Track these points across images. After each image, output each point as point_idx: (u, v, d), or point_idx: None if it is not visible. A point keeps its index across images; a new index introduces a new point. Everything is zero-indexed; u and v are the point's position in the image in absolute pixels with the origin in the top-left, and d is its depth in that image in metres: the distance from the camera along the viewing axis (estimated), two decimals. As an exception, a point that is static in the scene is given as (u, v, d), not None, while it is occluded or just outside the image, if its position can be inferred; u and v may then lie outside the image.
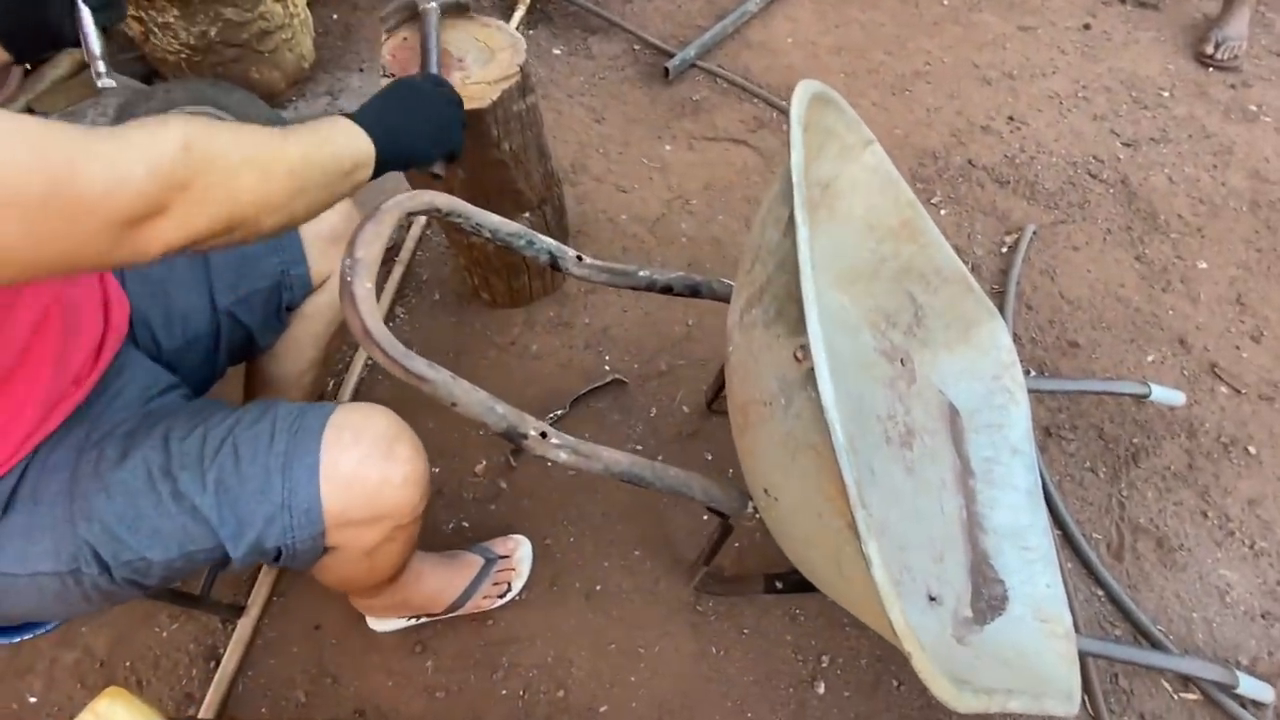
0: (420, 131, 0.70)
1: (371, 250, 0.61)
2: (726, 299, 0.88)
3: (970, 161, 1.71)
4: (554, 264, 0.81)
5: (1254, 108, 1.83)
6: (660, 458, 1.28)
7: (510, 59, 1.04)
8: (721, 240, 1.56)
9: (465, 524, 1.21)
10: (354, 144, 0.62)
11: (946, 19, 2.04)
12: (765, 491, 0.61)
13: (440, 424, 1.30)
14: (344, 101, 1.79)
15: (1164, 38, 2.00)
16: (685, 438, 1.30)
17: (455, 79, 1.03)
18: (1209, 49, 1.90)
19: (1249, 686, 1.04)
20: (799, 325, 0.50)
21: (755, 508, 0.73)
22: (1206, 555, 1.21)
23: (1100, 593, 1.16)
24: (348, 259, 0.61)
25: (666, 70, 1.80)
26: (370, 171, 0.63)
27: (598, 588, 1.16)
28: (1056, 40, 1.99)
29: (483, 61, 1.05)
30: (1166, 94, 1.87)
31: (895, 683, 1.09)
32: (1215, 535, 1.23)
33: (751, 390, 0.59)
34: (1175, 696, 1.09)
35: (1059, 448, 1.31)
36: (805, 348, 0.48)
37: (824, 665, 1.10)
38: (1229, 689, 1.05)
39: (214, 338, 0.86)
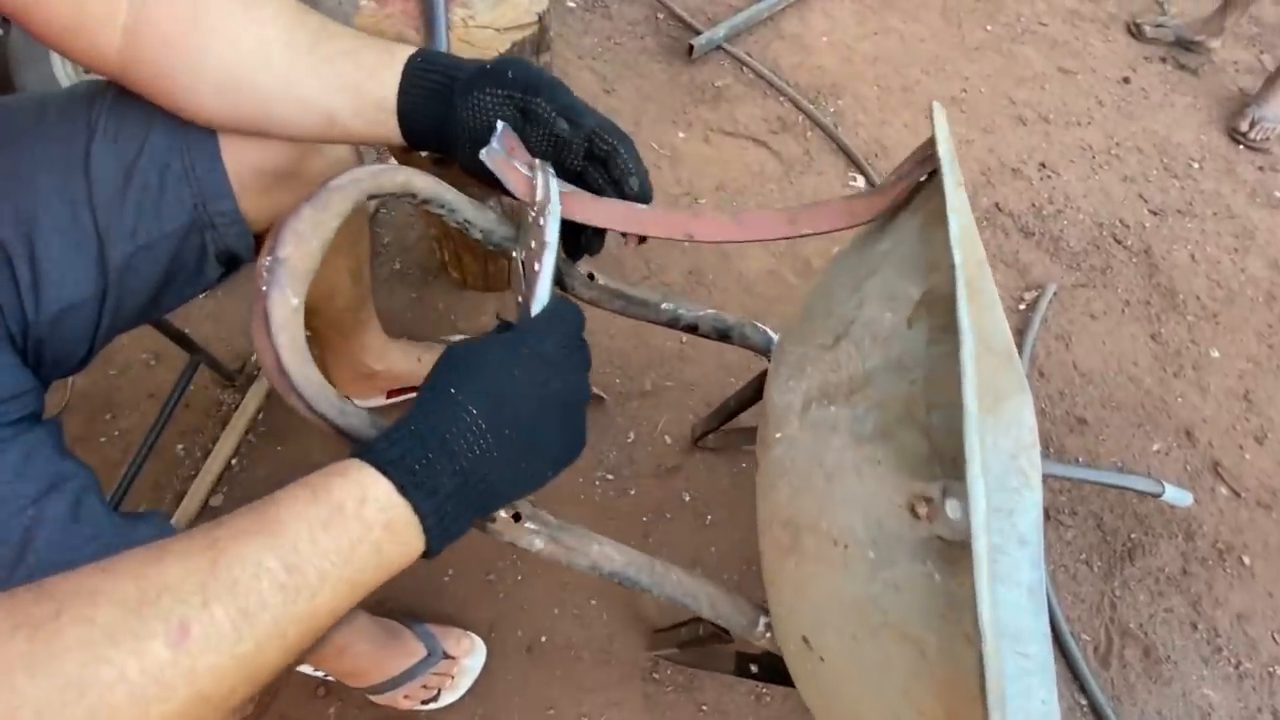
0: (535, 478, 0.42)
1: (304, 248, 0.42)
2: (761, 351, 0.72)
3: (998, 205, 1.60)
4: (558, 282, 0.63)
5: (1278, 194, 1.77)
6: (633, 492, 1.13)
7: (527, 2, 0.85)
8: (728, 250, 1.40)
9: (396, 545, 1.03)
10: (379, 572, 0.36)
11: (988, 45, 1.91)
12: (804, 640, 0.47)
13: (377, 417, 1.11)
14: None
15: (1199, 105, 1.92)
16: (664, 472, 1.15)
17: (456, 17, 0.83)
18: (1244, 126, 1.83)
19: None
20: (924, 468, 0.35)
21: (768, 628, 0.59)
22: (1192, 671, 1.14)
23: (1084, 702, 1.08)
24: (267, 258, 0.41)
25: (691, 48, 1.61)
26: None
27: (543, 639, 1.00)
28: (1095, 89, 1.88)
29: (491, 0, 0.85)
30: (1196, 165, 1.79)
31: (858, 780, 0.98)
32: (1203, 650, 1.16)
33: (812, 513, 0.44)
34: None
35: (1056, 534, 1.22)
36: (931, 502, 0.33)
37: (786, 755, 0.98)
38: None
39: (99, 303, 0.64)
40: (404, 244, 1.31)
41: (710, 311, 0.71)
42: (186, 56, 0.51)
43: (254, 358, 1.16)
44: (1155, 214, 1.68)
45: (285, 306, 0.41)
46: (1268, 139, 1.83)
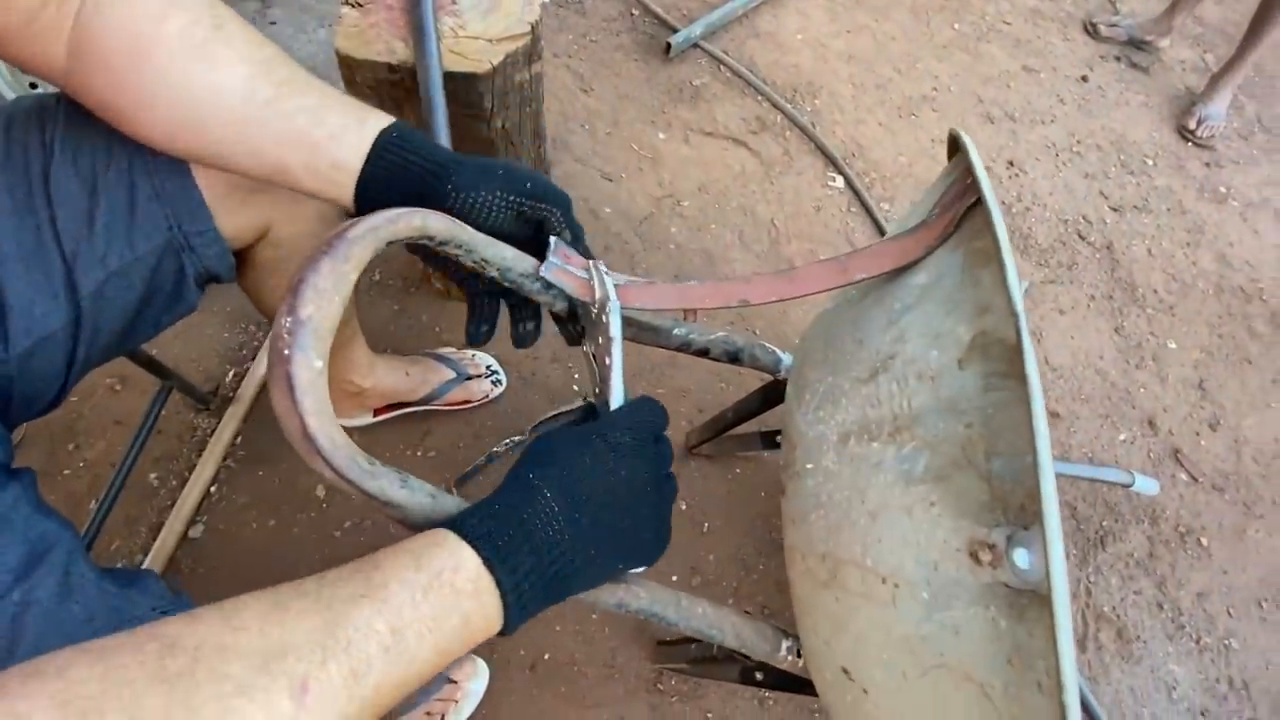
0: (607, 567, 0.43)
1: (326, 306, 0.39)
2: (770, 371, 0.72)
3: (969, 203, 1.63)
4: (572, 314, 0.61)
5: (1223, 189, 1.87)
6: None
7: (519, 11, 0.82)
8: (713, 253, 1.40)
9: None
10: (461, 644, 0.36)
11: (956, 44, 1.94)
12: (844, 671, 0.47)
13: (365, 439, 1.08)
14: (276, 11, 1.45)
15: (1151, 104, 2.00)
16: (657, 481, 1.15)
17: (445, 27, 0.80)
18: (1191, 124, 1.91)
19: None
20: (984, 514, 0.36)
21: (790, 651, 0.59)
22: (1159, 648, 1.20)
23: (1065, 686, 1.13)
24: (286, 318, 0.39)
25: (668, 46, 1.59)
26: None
27: (546, 657, 0.99)
28: (1056, 88, 1.94)
29: (483, 9, 0.82)
30: (1150, 162, 1.87)
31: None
32: (1168, 628, 1.22)
33: (853, 549, 0.44)
34: (1124, 797, 1.08)
35: (1034, 525, 1.27)
36: (994, 549, 0.34)
37: (790, 757, 1.00)
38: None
39: (71, 335, 0.59)
40: (383, 254, 1.27)
41: (720, 335, 0.71)
42: (132, 94, 0.48)
43: (228, 379, 1.11)
44: (1115, 210, 1.75)
45: (309, 369, 0.39)
46: (1213, 136, 1.92)
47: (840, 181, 1.58)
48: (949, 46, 1.93)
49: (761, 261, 1.41)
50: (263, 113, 0.48)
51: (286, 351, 0.38)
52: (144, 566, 0.95)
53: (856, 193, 1.56)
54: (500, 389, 1.14)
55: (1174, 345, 1.56)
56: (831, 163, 1.59)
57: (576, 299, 0.54)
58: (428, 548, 0.37)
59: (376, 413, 1.07)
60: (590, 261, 0.54)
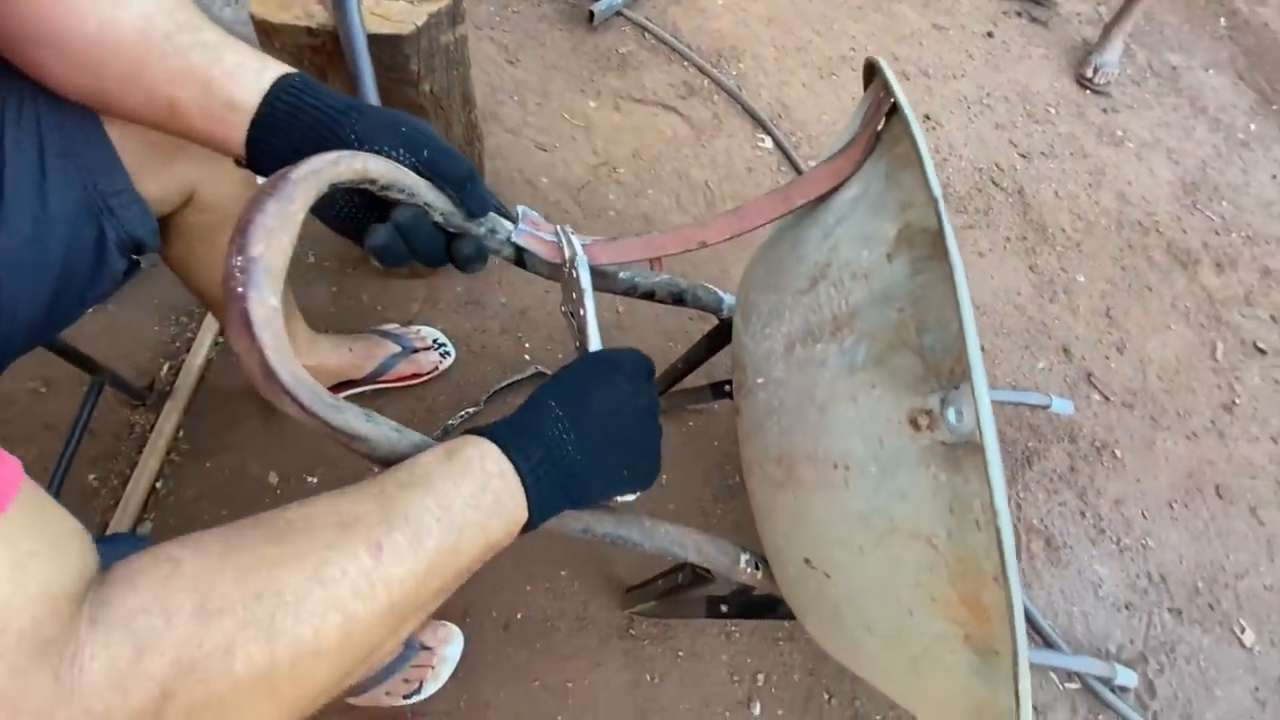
0: (608, 472, 0.47)
1: (276, 244, 0.40)
2: (713, 310, 0.75)
3: (892, 157, 1.71)
4: (519, 260, 0.62)
5: (1120, 133, 2.01)
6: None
7: (441, -29, 0.81)
8: (651, 217, 1.42)
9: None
10: (500, 523, 0.42)
11: (869, 5, 2.01)
12: (806, 561, 0.51)
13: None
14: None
15: (1051, 56, 2.12)
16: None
17: (367, -15, 0.78)
18: (1089, 72, 2.05)
19: (1122, 677, 1.15)
20: (920, 385, 0.39)
21: (756, 568, 0.63)
22: (1084, 552, 1.31)
23: (1006, 594, 1.22)
24: (237, 258, 0.38)
25: (591, 14, 1.59)
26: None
27: (519, 616, 1.01)
28: (965, 44, 2.04)
29: (402, -32, 0.81)
30: (1053, 110, 1.99)
31: (826, 695, 1.07)
32: (1090, 534, 1.33)
33: (807, 444, 0.48)
34: (1061, 687, 1.18)
35: (970, 451, 1.35)
36: (931, 413, 0.37)
37: (759, 684, 1.05)
38: (1108, 681, 1.15)
39: None
40: (316, 233, 1.23)
41: (664, 277, 0.73)
42: (30, 25, 0.46)
43: (163, 372, 1.06)
44: (1024, 157, 1.86)
45: (265, 306, 0.39)
46: (1108, 83, 2.06)
47: (769, 142, 1.62)
48: (863, 7, 2.00)
49: (705, 210, 1.45)
50: (160, 48, 0.47)
51: (240, 289, 0.38)
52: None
53: (785, 152, 1.61)
54: (449, 361, 1.14)
55: (1082, 278, 1.68)
56: (760, 125, 1.63)
57: (546, 259, 0.58)
58: (456, 444, 0.42)
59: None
60: (558, 226, 0.58)
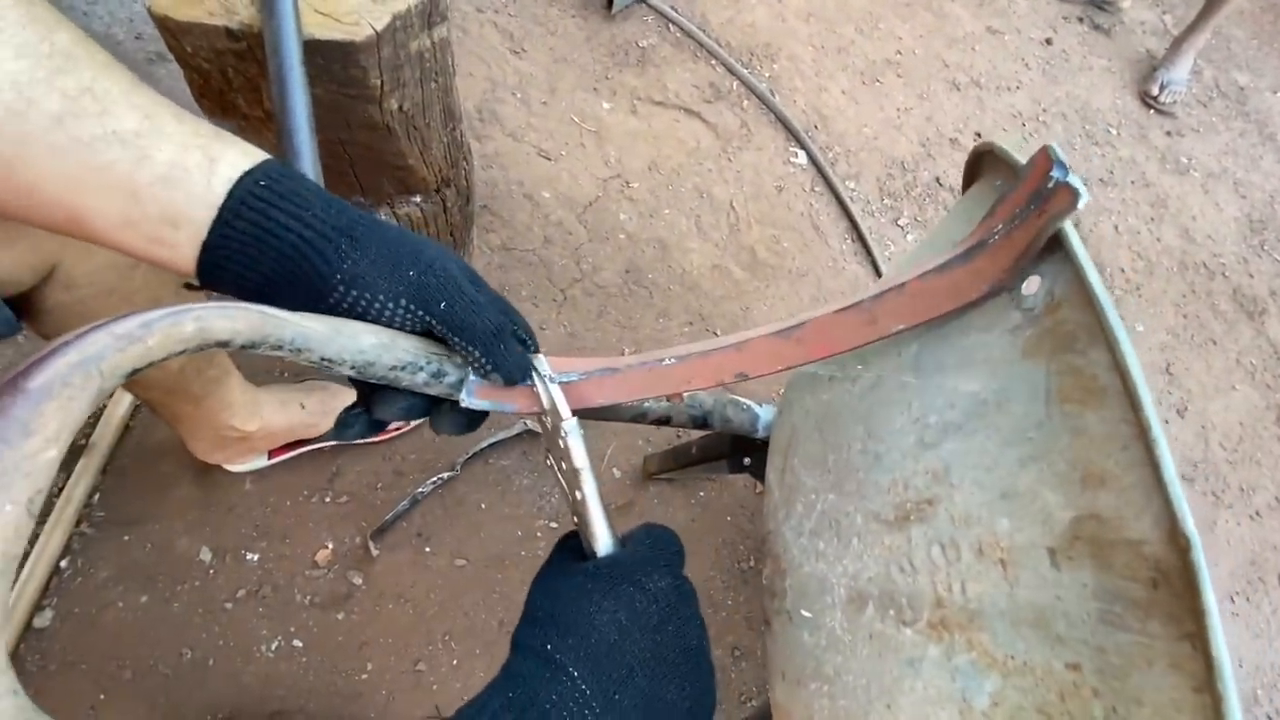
0: None
1: (29, 465, 0.23)
2: (746, 433, 0.58)
3: (938, 180, 1.52)
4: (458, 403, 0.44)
5: (1185, 160, 1.82)
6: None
7: (415, -46, 0.63)
8: (667, 244, 1.24)
9: (297, 643, 0.84)
10: None
11: (918, 3, 1.80)
12: None
13: (260, 486, 0.89)
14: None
15: (1114, 69, 1.92)
16: (615, 511, 1.01)
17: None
18: (1154, 90, 1.85)
19: None
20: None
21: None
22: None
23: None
24: None
25: (610, 2, 1.39)
26: None
27: None
28: (1021, 51, 1.84)
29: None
30: (1114, 131, 1.80)
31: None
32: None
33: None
34: None
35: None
36: None
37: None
38: None
39: None
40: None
41: (685, 397, 0.56)
42: None
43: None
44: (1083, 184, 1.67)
45: None
46: (1175, 103, 1.86)
47: (803, 157, 1.43)
48: (912, 4, 1.79)
49: (721, 251, 1.27)
50: (46, 139, 0.29)
51: None
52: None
53: (820, 170, 1.42)
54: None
55: (1141, 328, 1.51)
56: (793, 136, 1.44)
57: (520, 413, 0.40)
58: None
59: (272, 454, 0.88)
60: (532, 364, 0.39)
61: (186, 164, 0.31)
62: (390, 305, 0.35)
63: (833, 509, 0.36)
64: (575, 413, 0.38)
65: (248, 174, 0.32)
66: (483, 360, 0.36)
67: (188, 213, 0.31)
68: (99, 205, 0.31)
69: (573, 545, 0.38)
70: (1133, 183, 1.72)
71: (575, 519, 0.37)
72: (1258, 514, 1.35)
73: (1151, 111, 1.87)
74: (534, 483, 1.00)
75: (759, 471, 0.84)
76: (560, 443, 0.37)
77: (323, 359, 0.32)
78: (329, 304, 0.34)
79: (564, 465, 0.38)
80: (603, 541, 0.36)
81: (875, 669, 0.31)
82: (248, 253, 0.32)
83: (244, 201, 0.32)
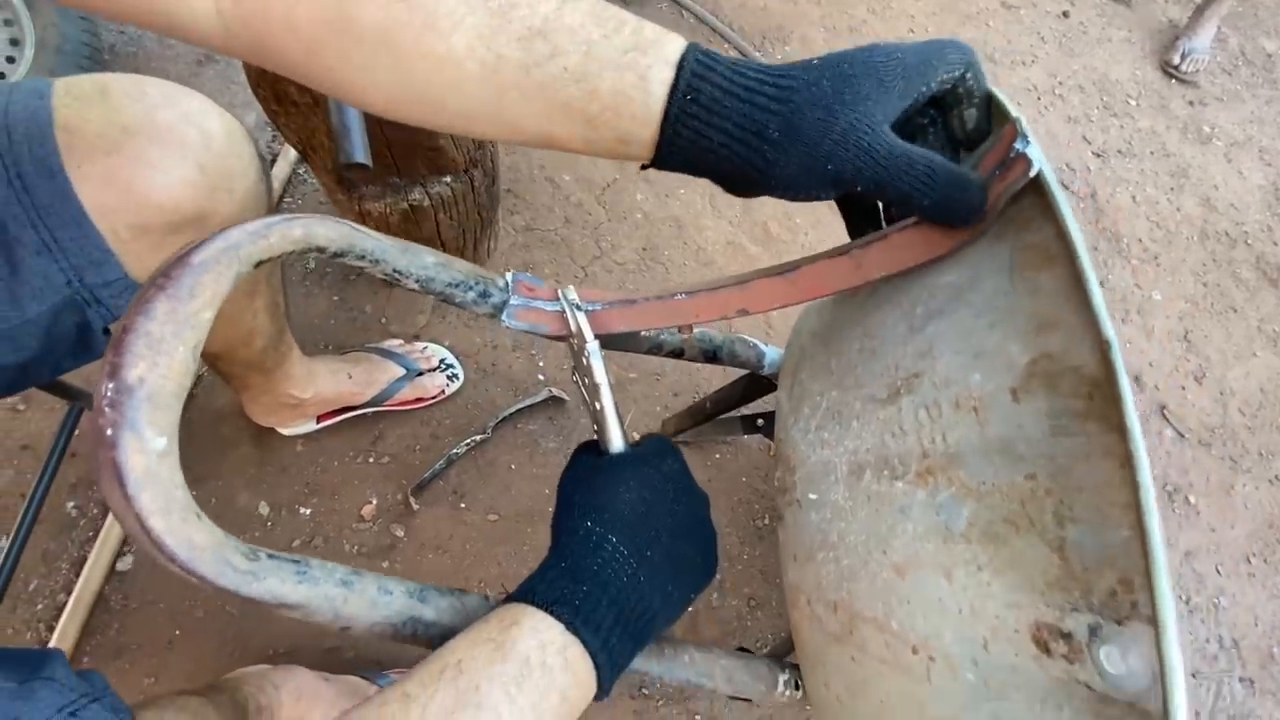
0: (678, 604, 0.42)
1: (166, 362, 0.30)
2: (754, 368, 0.63)
3: (951, 154, 1.55)
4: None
5: (1208, 129, 1.81)
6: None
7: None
8: (683, 221, 1.29)
9: (348, 588, 0.92)
10: (572, 700, 0.36)
11: (932, -21, 1.82)
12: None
13: (310, 448, 0.98)
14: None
15: (1134, 39, 1.91)
16: (635, 473, 1.07)
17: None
18: (1175, 59, 1.84)
19: None
20: (1053, 592, 0.28)
21: (787, 685, 0.53)
22: (1150, 610, 1.19)
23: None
24: (108, 384, 0.29)
25: (625, -10, 1.44)
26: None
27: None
28: (1037, 25, 1.84)
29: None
30: (1133, 102, 1.80)
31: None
32: (1159, 589, 1.21)
33: (873, 605, 0.37)
34: None
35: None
36: (1070, 639, 0.26)
37: (784, 752, 0.96)
38: None
39: None
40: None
41: (695, 332, 0.62)
42: (331, 58, 0.36)
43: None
44: (1098, 156, 1.68)
45: (144, 454, 0.29)
46: (1197, 71, 1.85)
47: (816, 136, 1.47)
48: (925, -18, 1.81)
49: (735, 227, 1.32)
50: (518, 87, 0.36)
51: (110, 432, 0.28)
52: (67, 607, 0.85)
53: (833, 147, 1.46)
54: (457, 384, 1.04)
55: (1159, 296, 1.52)
56: (806, 115, 1.48)
57: (550, 335, 0.48)
58: (507, 630, 0.35)
59: (320, 419, 0.96)
60: (559, 291, 0.47)
61: (626, 89, 0.35)
62: (819, 194, 0.37)
63: (835, 403, 0.42)
64: (597, 337, 0.45)
65: (674, 89, 0.35)
66: (927, 208, 0.38)
67: (634, 133, 0.36)
68: (566, 134, 0.37)
69: (589, 448, 0.44)
70: (1152, 153, 1.71)
71: (594, 426, 0.44)
72: (1277, 478, 1.35)
73: (1173, 81, 1.86)
74: (559, 445, 1.06)
75: (771, 432, 0.89)
76: (584, 361, 0.44)
77: (395, 270, 0.40)
78: (770, 191, 0.37)
79: (587, 381, 0.45)
80: (617, 442, 0.43)
81: (873, 524, 0.36)
82: (689, 160, 0.37)
83: (679, 120, 0.35)
